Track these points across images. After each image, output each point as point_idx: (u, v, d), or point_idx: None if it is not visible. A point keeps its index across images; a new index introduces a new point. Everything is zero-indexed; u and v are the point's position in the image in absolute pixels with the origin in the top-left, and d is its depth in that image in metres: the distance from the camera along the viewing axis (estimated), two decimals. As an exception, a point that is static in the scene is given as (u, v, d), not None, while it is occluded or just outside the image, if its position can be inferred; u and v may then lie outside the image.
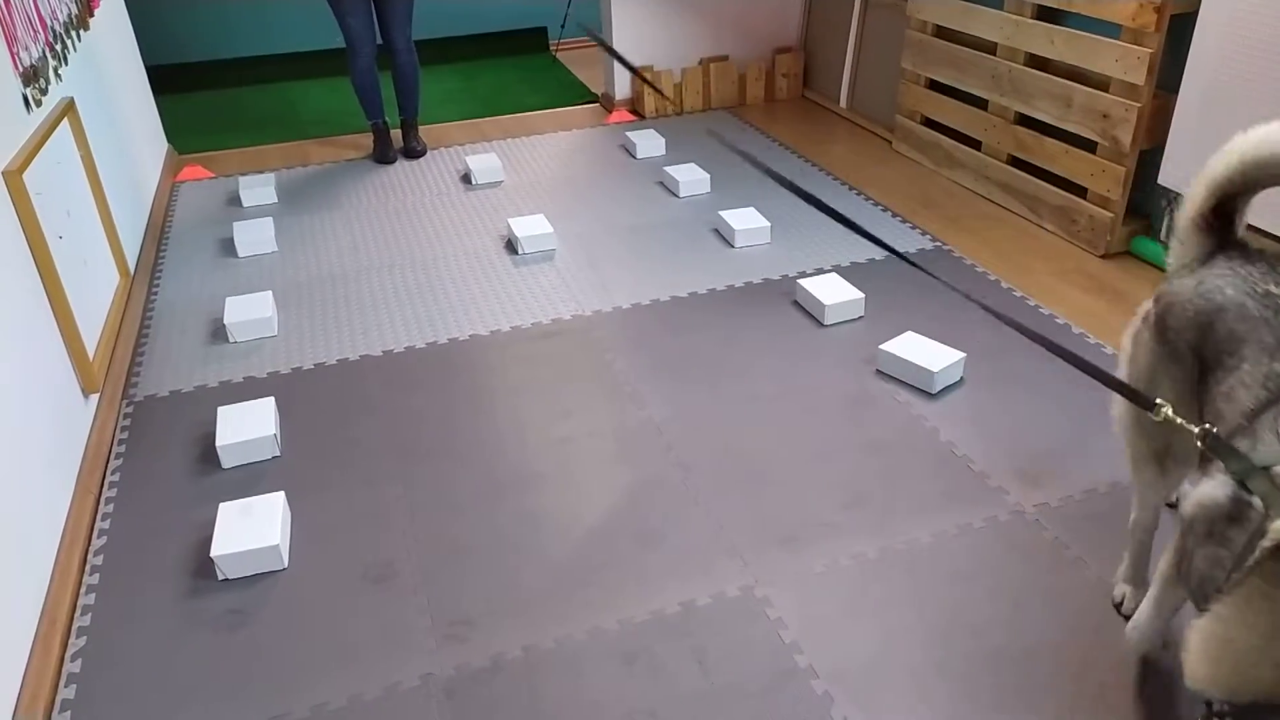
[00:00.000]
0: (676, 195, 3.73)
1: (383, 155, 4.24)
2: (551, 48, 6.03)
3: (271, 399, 2.44)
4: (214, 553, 1.94)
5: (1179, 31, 2.79)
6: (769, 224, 3.32)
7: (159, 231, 3.58)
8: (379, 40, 4.09)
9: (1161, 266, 3.03)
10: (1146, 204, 3.10)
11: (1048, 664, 1.70)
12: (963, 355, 2.51)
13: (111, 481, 2.27)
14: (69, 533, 2.04)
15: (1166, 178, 2.88)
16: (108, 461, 2.34)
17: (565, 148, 4.34)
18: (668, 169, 3.82)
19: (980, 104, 3.59)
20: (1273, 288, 1.39)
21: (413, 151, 4.29)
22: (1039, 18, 3.26)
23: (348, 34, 4.03)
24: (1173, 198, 2.92)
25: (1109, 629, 1.77)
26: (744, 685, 1.69)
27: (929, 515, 2.06)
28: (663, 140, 4.18)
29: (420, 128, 4.42)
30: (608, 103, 4.85)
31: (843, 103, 4.62)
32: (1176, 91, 2.80)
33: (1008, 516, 2.05)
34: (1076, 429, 2.31)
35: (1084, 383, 2.48)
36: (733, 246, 3.30)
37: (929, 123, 3.92)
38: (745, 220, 3.33)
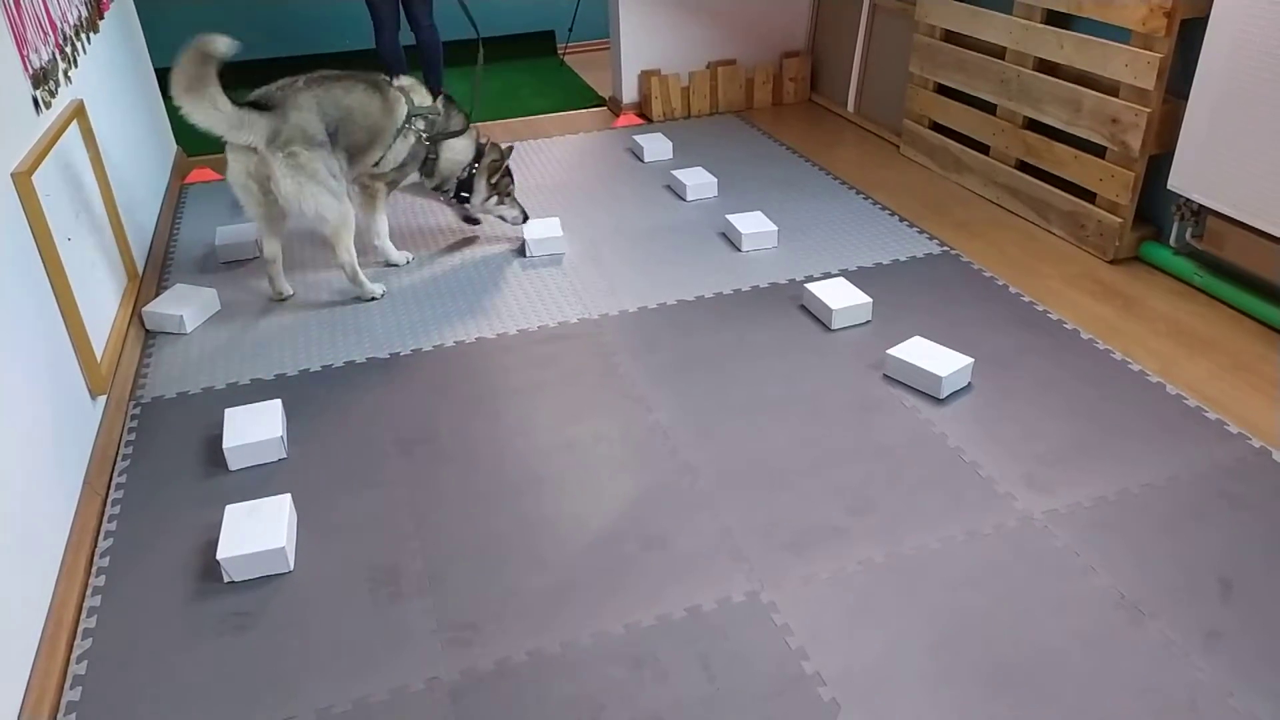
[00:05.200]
0: (684, 199, 3.73)
1: None
2: (559, 51, 6.03)
3: (278, 401, 2.44)
4: (220, 555, 1.94)
5: (1189, 36, 2.78)
6: (776, 228, 3.32)
7: (168, 233, 3.59)
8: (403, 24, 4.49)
9: (1171, 272, 3.02)
10: (1156, 209, 3.09)
11: (1055, 672, 1.69)
12: (971, 360, 2.50)
13: (118, 483, 2.27)
14: (75, 534, 2.04)
15: (1176, 183, 2.87)
16: (115, 463, 2.34)
17: (573, 151, 4.34)
18: (675, 172, 3.82)
19: (989, 108, 3.59)
20: None
21: None
22: (1048, 22, 3.25)
23: (372, 11, 4.45)
24: (1183, 203, 2.90)
25: (1118, 637, 1.76)
26: (750, 691, 1.68)
27: (937, 521, 2.05)
28: (670, 144, 4.18)
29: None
30: (615, 106, 4.85)
31: (850, 107, 4.62)
32: (1186, 97, 2.79)
33: (1016, 523, 2.04)
34: (1086, 435, 2.30)
35: (1094, 389, 2.48)
36: (740, 250, 3.29)
37: (937, 127, 3.92)
38: (752, 224, 3.32)
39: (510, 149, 3.35)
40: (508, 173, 3.32)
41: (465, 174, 3.24)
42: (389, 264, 3.27)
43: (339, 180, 2.85)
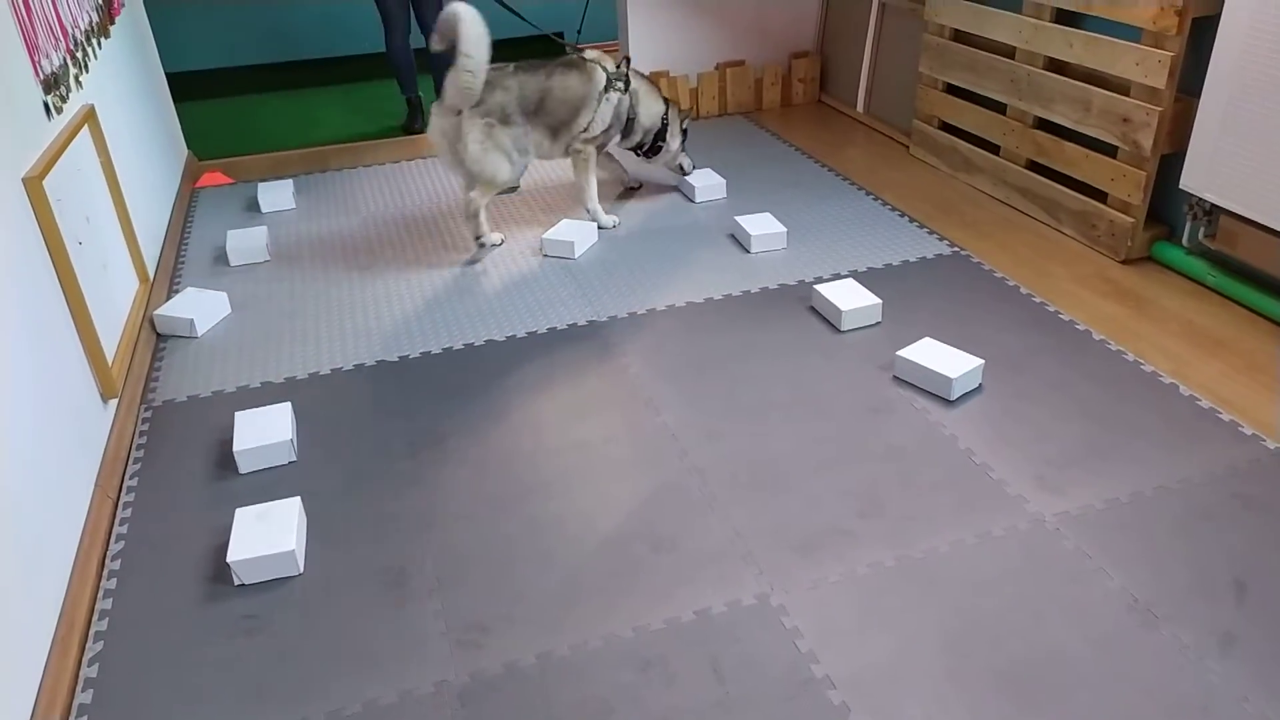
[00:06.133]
0: (692, 200, 3.72)
1: (410, 126, 4.71)
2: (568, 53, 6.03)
3: (288, 404, 2.44)
4: (230, 558, 1.95)
5: (1201, 34, 2.77)
6: (785, 229, 3.31)
7: (179, 237, 3.61)
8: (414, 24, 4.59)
9: (1184, 272, 3.00)
10: (1168, 209, 3.07)
11: (1067, 676, 1.68)
12: (981, 362, 2.49)
13: (130, 486, 2.28)
14: (87, 537, 2.05)
15: (1188, 182, 2.85)
16: (126, 466, 2.35)
17: (581, 153, 4.33)
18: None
19: (999, 108, 3.57)
20: None
21: None
22: (1058, 21, 3.23)
23: (384, 14, 4.52)
24: (1195, 203, 2.88)
25: (1130, 641, 1.75)
26: (760, 694, 1.68)
27: (947, 523, 2.04)
28: (679, 145, 4.17)
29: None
30: (624, 108, 4.85)
31: (860, 107, 4.60)
32: (1198, 95, 2.77)
33: (1027, 525, 2.03)
34: (1097, 436, 2.29)
35: (1106, 390, 2.46)
36: (749, 252, 3.29)
37: (946, 127, 3.90)
38: (761, 225, 3.31)
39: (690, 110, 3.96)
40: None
41: (659, 127, 3.61)
42: (600, 227, 3.52)
43: (519, 154, 3.26)
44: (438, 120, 3.20)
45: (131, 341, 2.71)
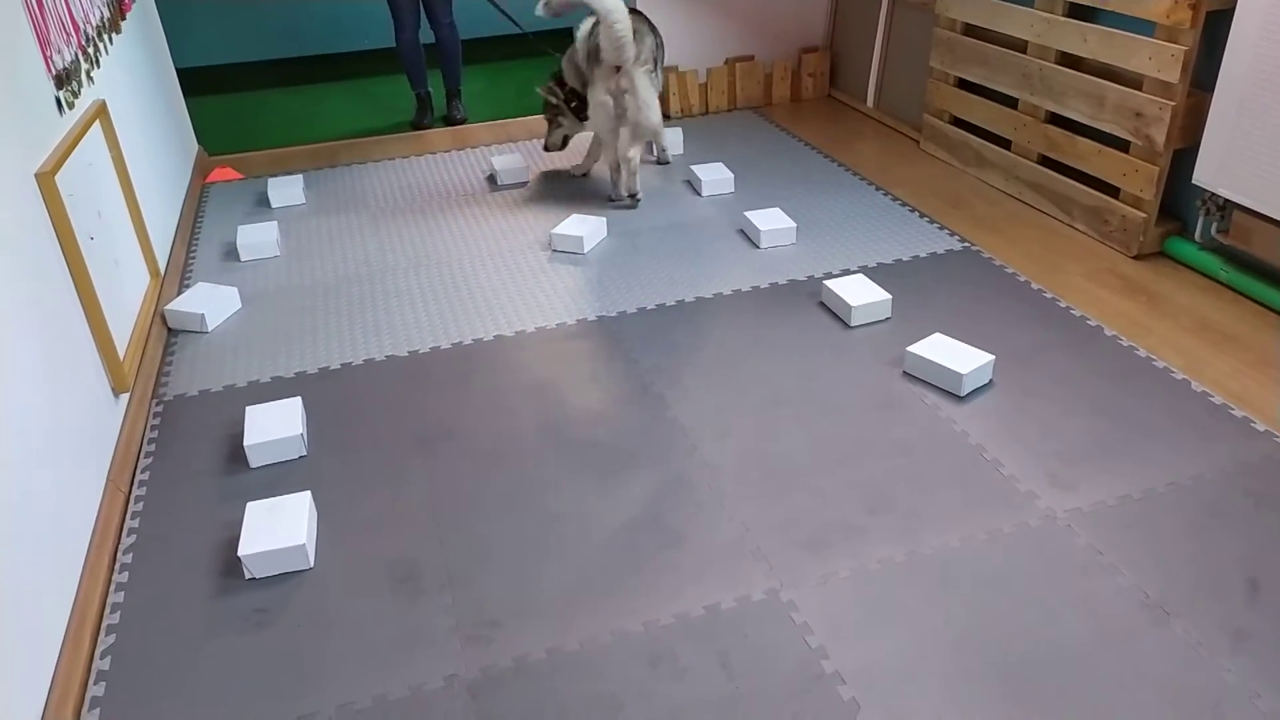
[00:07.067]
0: (700, 195, 3.72)
1: (419, 121, 4.68)
2: (577, 48, 6.03)
3: (299, 399, 2.45)
4: (241, 552, 1.96)
5: (1214, 28, 2.75)
6: (795, 225, 3.30)
7: (189, 232, 3.62)
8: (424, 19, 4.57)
9: (1196, 267, 2.98)
10: (1180, 204, 3.06)
11: (1078, 672, 1.68)
12: (992, 357, 2.48)
13: (141, 480, 2.29)
14: (99, 531, 2.06)
15: (1201, 177, 2.83)
16: (137, 460, 2.36)
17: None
18: (693, 168, 3.81)
19: (1010, 103, 3.55)
20: None
21: (453, 119, 4.71)
22: (1071, 15, 3.22)
23: (393, 9, 4.48)
24: (1208, 198, 2.87)
25: (1143, 638, 1.74)
26: (769, 690, 1.68)
27: (958, 519, 2.04)
28: (688, 140, 4.16)
29: (447, 129, 4.59)
30: (633, 103, 4.84)
31: (870, 102, 4.59)
32: (1212, 90, 2.75)
33: (1038, 522, 2.03)
34: (1109, 432, 2.28)
35: (1117, 386, 2.45)
36: (758, 247, 3.28)
37: (958, 122, 3.89)
38: (771, 221, 3.31)
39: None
40: None
41: None
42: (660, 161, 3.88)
43: None
44: (602, 80, 3.38)
45: (143, 336, 2.72)
